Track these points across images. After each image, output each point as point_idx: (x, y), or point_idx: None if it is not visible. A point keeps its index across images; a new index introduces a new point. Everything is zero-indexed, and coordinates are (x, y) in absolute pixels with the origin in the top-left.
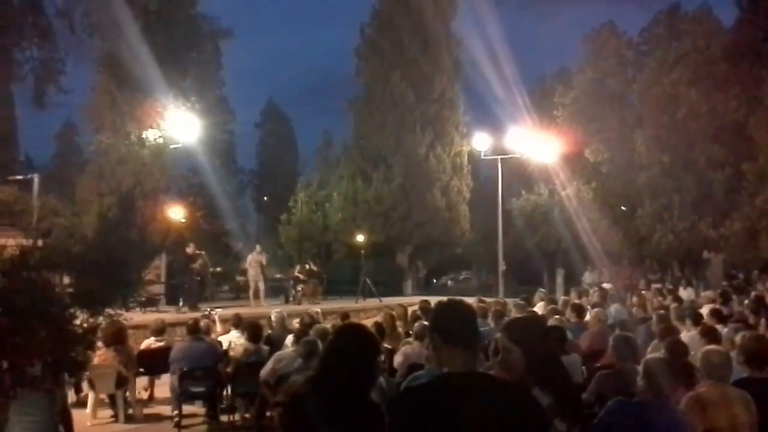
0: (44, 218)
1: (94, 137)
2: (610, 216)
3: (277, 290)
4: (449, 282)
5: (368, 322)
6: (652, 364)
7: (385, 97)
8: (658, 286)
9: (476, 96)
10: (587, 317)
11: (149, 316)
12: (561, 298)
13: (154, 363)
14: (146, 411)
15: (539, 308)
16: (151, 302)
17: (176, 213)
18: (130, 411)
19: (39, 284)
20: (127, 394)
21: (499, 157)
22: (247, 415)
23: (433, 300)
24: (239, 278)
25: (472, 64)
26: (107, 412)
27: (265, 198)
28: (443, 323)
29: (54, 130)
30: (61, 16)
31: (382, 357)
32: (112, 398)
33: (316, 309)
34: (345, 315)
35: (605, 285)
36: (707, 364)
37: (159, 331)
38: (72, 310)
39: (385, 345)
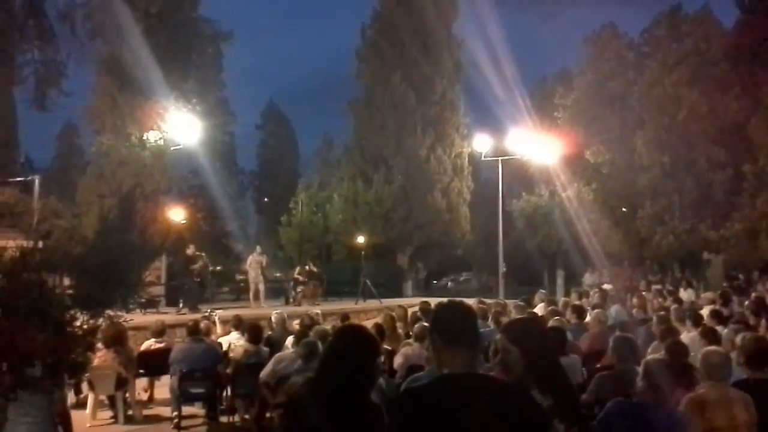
0: (45, 220)
1: (94, 139)
2: (610, 217)
3: (277, 291)
4: (449, 283)
5: (368, 324)
6: (652, 365)
7: (386, 99)
8: (659, 287)
9: (477, 97)
10: (587, 318)
11: (149, 318)
12: (561, 299)
13: (153, 364)
14: (146, 412)
15: (539, 309)
16: (151, 304)
17: (177, 214)
18: (130, 412)
19: (39, 286)
20: (127, 395)
21: (500, 158)
22: (246, 417)
23: (434, 301)
24: (240, 277)
25: (473, 66)
26: (107, 414)
27: (266, 199)
28: (443, 324)
29: (55, 132)
30: (62, 19)
31: (382, 358)
32: (111, 399)
33: (316, 310)
34: (345, 316)
35: (606, 286)
36: (707, 365)
37: (159, 332)
38: (72, 312)
39: (385, 346)
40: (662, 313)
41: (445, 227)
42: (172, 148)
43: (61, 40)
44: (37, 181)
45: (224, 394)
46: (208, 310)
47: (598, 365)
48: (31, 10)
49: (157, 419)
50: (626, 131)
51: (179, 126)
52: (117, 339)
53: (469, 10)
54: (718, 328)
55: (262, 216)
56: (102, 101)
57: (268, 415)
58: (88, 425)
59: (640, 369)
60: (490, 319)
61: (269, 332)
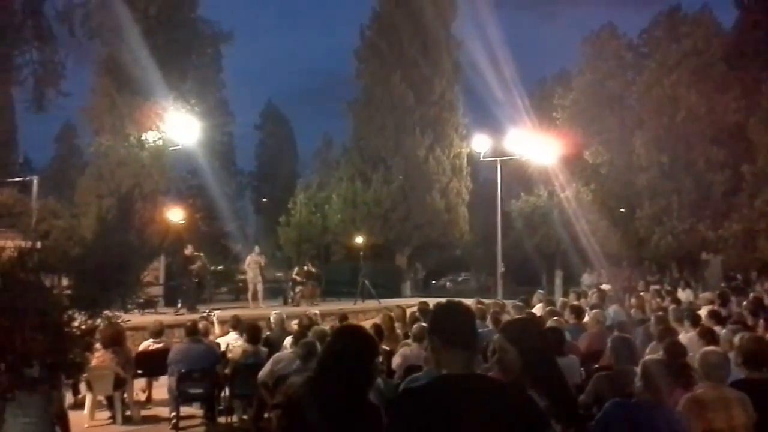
0: (43, 220)
1: (93, 139)
2: (609, 217)
3: (275, 292)
4: (448, 283)
5: (367, 324)
6: (650, 365)
7: (385, 99)
8: (657, 287)
9: (476, 98)
10: (586, 319)
11: (147, 318)
12: (560, 299)
13: (152, 365)
14: (144, 413)
15: (538, 310)
16: (149, 304)
17: (175, 215)
18: (128, 413)
19: (37, 286)
20: (125, 395)
21: (499, 158)
22: (245, 417)
23: (432, 301)
24: (241, 277)
25: (472, 66)
26: (105, 414)
27: (265, 200)
28: (442, 325)
29: (53, 132)
30: (60, 20)
31: (380, 358)
32: (109, 400)
33: (315, 310)
34: (344, 316)
35: (604, 286)
36: (705, 365)
37: (157, 332)
38: (70, 312)
39: (384, 347)
40: (660, 313)
41: (443, 227)
42: (170, 149)
43: (60, 40)
44: (35, 182)
45: (222, 394)
46: (207, 311)
47: (597, 365)
48: (30, 10)
49: (155, 420)
50: (625, 132)
51: (178, 126)
52: (115, 339)
53: (468, 11)
54: (717, 328)
55: (261, 216)
56: (101, 102)
57: (266, 415)
58: (86, 425)
59: (638, 369)
60: (488, 320)
61: (268, 332)
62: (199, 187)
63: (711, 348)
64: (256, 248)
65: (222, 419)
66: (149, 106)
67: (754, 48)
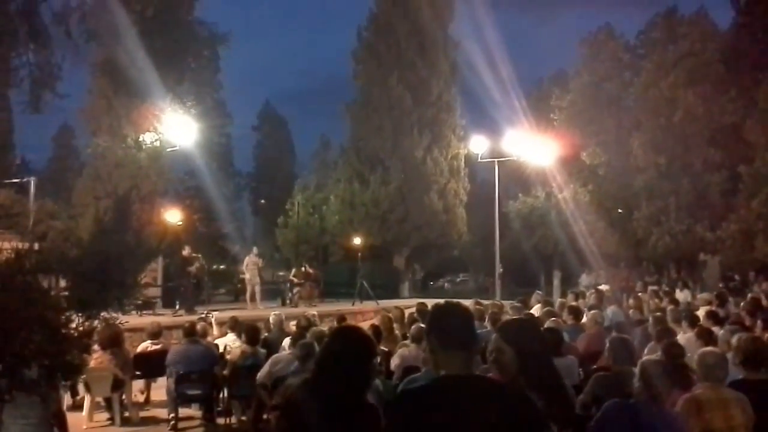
0: (40, 221)
1: (90, 140)
2: (606, 218)
3: (274, 293)
4: (446, 284)
5: (365, 325)
6: (648, 366)
7: (382, 100)
8: (655, 288)
9: (473, 99)
10: (584, 319)
11: (145, 319)
12: (558, 300)
13: (150, 366)
14: (142, 414)
15: (536, 310)
16: (147, 305)
17: (173, 216)
18: (127, 414)
19: (35, 288)
20: (124, 397)
21: (496, 159)
22: (243, 418)
23: (430, 302)
24: (240, 277)
25: (469, 67)
26: (103, 415)
27: (262, 201)
28: (440, 326)
29: (51, 134)
30: (57, 22)
31: (379, 359)
32: (108, 401)
33: (313, 311)
34: (342, 317)
35: (602, 287)
36: (703, 365)
37: (155, 334)
38: (68, 314)
39: (382, 347)
40: (658, 314)
41: (441, 228)
42: (168, 150)
43: (56, 42)
44: (33, 183)
45: (221, 395)
46: (205, 312)
47: (595, 366)
48: (26, 12)
49: (154, 421)
50: (622, 133)
51: (175, 128)
52: (113, 341)
53: (465, 12)
54: (714, 328)
55: (259, 217)
56: (97, 103)
57: (264, 416)
58: (84, 427)
59: (636, 370)
60: (486, 320)
61: (266, 334)
62: (196, 189)
63: (709, 348)
64: (255, 249)
65: (221, 420)
66: (146, 108)
67: (750, 49)
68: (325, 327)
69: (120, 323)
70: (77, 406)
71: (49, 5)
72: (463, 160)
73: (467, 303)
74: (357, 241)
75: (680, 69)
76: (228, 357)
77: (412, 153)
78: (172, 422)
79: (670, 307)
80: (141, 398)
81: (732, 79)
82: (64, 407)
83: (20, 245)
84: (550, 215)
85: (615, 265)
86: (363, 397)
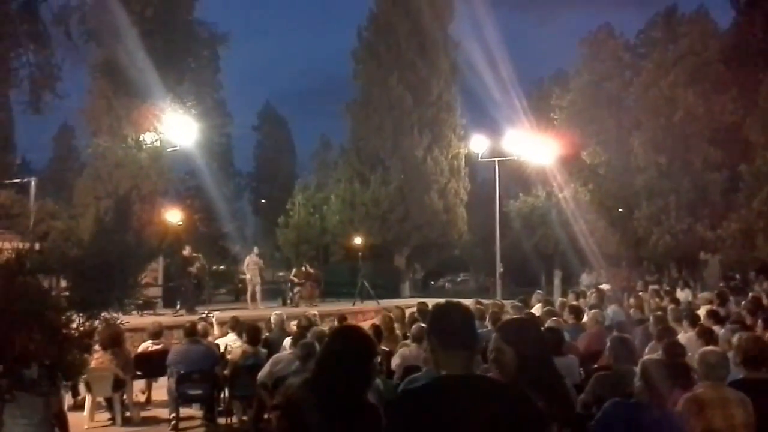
0: (41, 221)
1: (91, 140)
2: (607, 218)
3: (274, 293)
4: (447, 284)
5: (366, 325)
6: (649, 365)
7: (383, 100)
8: (656, 287)
9: (473, 98)
10: (585, 319)
11: (146, 319)
12: (558, 299)
13: (151, 366)
14: (143, 414)
15: (536, 310)
16: (148, 305)
17: (174, 216)
18: (128, 414)
19: (35, 288)
20: (125, 397)
21: (497, 159)
22: (244, 418)
23: (431, 302)
24: (241, 277)
25: (470, 67)
26: (104, 415)
27: (263, 201)
28: (441, 325)
29: (51, 134)
30: (57, 22)
31: (379, 359)
32: (109, 401)
33: (314, 311)
34: (342, 317)
35: (603, 286)
36: (704, 365)
37: (156, 334)
38: (68, 314)
39: (383, 347)
40: (659, 313)
41: (442, 228)
42: (168, 150)
43: (56, 43)
44: (33, 183)
45: (222, 395)
46: (206, 312)
47: (596, 365)
48: (26, 13)
49: (155, 421)
50: (623, 132)
51: (176, 128)
52: (114, 341)
53: (465, 12)
54: (715, 328)
55: (259, 217)
56: (98, 103)
57: (265, 416)
58: (85, 427)
59: (637, 369)
60: (487, 320)
61: (267, 333)
62: (197, 189)
63: (710, 348)
64: (255, 249)
65: (221, 420)
66: (147, 108)
67: (750, 48)
68: (326, 327)
69: (121, 323)
70: (78, 406)
71: (49, 6)
72: (463, 159)
73: (468, 302)
74: (357, 240)
75: (680, 68)
76: (229, 357)
77: (412, 153)
78: (173, 422)
79: (670, 307)
80: (142, 398)
81: (732, 79)
82: (65, 407)
83: (21, 245)
84: (550, 215)
85: (616, 264)
86: (364, 396)
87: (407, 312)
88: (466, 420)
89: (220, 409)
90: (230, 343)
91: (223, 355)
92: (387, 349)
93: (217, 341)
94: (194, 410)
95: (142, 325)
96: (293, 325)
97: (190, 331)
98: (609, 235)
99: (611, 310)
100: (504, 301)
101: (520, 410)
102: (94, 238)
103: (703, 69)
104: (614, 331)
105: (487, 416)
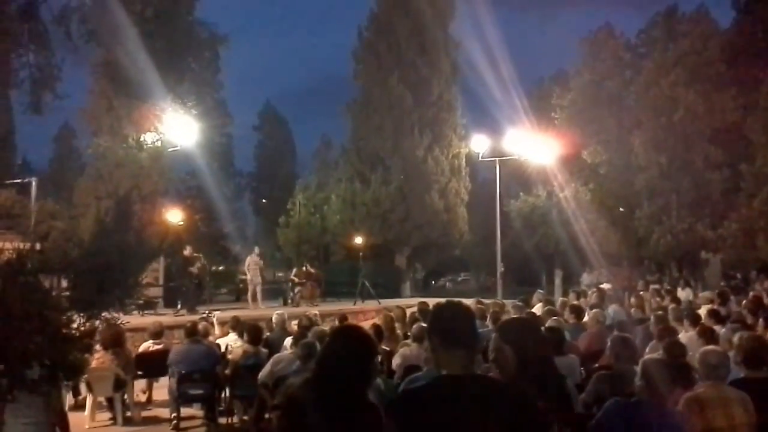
0: (42, 222)
1: (91, 141)
2: (608, 217)
3: (275, 292)
4: (448, 283)
5: (367, 324)
6: (650, 364)
7: (383, 100)
8: (657, 286)
9: (474, 98)
10: (585, 318)
11: (147, 319)
12: (559, 299)
13: (152, 366)
14: (144, 414)
15: (537, 309)
16: (149, 305)
17: (174, 216)
18: (129, 414)
19: (36, 288)
20: (126, 396)
21: (497, 158)
22: (245, 418)
23: (432, 302)
24: (242, 277)
25: (470, 67)
26: (105, 415)
27: (264, 200)
28: (441, 325)
29: (52, 134)
30: (57, 23)
31: (380, 358)
32: (110, 401)
33: (314, 311)
34: (343, 317)
35: (604, 286)
36: (705, 364)
37: (157, 334)
38: (69, 314)
39: (384, 347)
40: (660, 312)
41: (442, 228)
42: (169, 150)
43: (57, 43)
44: (34, 183)
45: (223, 395)
46: (206, 312)
47: (596, 365)
48: (27, 14)
49: (156, 421)
50: (623, 132)
51: (176, 128)
52: (115, 341)
53: (466, 11)
54: (716, 327)
55: (260, 217)
56: (98, 103)
57: (266, 416)
58: (86, 427)
59: (638, 369)
60: (488, 320)
61: (267, 333)
62: (198, 189)
63: (711, 347)
64: (256, 249)
65: (222, 420)
66: (147, 108)
67: (751, 47)
68: (326, 326)
69: (122, 323)
70: (79, 406)
71: (49, 6)
72: (464, 159)
73: (469, 302)
74: (358, 240)
75: (681, 68)
76: (230, 357)
77: (413, 152)
78: (174, 422)
79: (671, 306)
80: (143, 398)
81: (733, 78)
82: (66, 407)
83: (22, 245)
84: (551, 214)
85: (617, 263)
86: (364, 396)
87: (408, 312)
88: (466, 419)
89: (221, 408)
90: (231, 342)
91: (224, 354)
92: (388, 348)
93: (217, 341)
94: (195, 410)
95: (143, 325)
96: (294, 325)
97: (191, 331)
98: (610, 235)
99: (612, 309)
100: (505, 301)
101: (520, 410)
102: (95, 239)
103: (704, 68)
104: (615, 331)
105: (487, 416)
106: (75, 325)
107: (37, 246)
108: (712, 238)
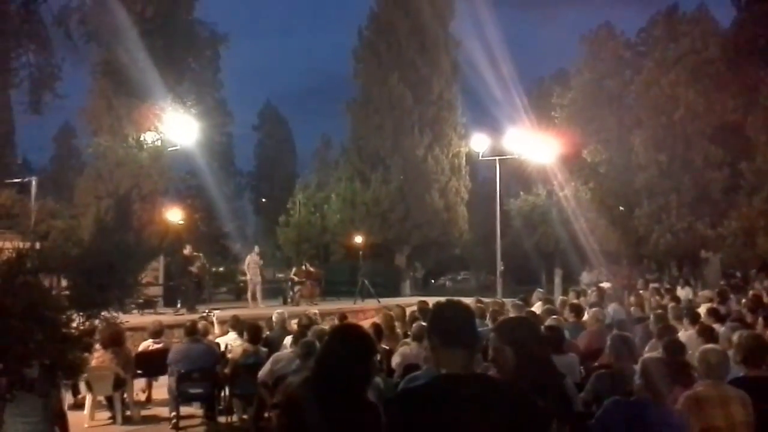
0: (42, 221)
1: (92, 140)
2: (607, 216)
3: (275, 291)
4: (447, 282)
5: (366, 323)
6: (649, 363)
7: (383, 99)
8: (656, 285)
9: (474, 97)
10: (585, 317)
11: (147, 318)
12: (559, 298)
13: (151, 365)
14: (144, 413)
15: (537, 308)
16: (149, 304)
17: (174, 215)
18: (128, 413)
19: (36, 287)
20: (125, 396)
21: (497, 157)
22: (245, 417)
23: (432, 300)
24: (242, 278)
25: (470, 66)
26: (105, 414)
27: (264, 200)
28: (441, 324)
29: (52, 133)
30: (57, 23)
31: (379, 357)
32: (109, 400)
33: (314, 310)
34: (343, 316)
35: (603, 285)
36: (704, 363)
37: (157, 332)
38: (69, 313)
39: (384, 346)
40: (660, 311)
41: (442, 227)
42: (169, 149)
43: (56, 43)
44: (34, 183)
45: (222, 394)
46: (206, 311)
47: (596, 364)
48: (26, 14)
49: (156, 420)
50: (623, 130)
51: (176, 127)
52: (115, 340)
53: (466, 10)
54: (716, 326)
55: (260, 216)
56: (98, 103)
57: (266, 415)
58: (86, 426)
59: (637, 367)
60: (488, 318)
61: (267, 332)
62: (198, 188)
63: (710, 346)
64: (256, 248)
65: (222, 419)
66: (147, 107)
67: (751, 46)
68: (326, 325)
69: (121, 322)
70: (78, 405)
71: (49, 6)
72: (464, 158)
73: (468, 301)
74: (358, 239)
75: (681, 66)
76: (229, 356)
77: (413, 151)
78: (174, 421)
79: (671, 305)
80: (142, 397)
81: (733, 77)
82: (66, 406)
83: (22, 245)
84: (551, 213)
85: (616, 262)
86: (363, 395)
87: (408, 310)
88: (466, 419)
89: (221, 407)
90: (231, 341)
91: (223, 353)
92: (387, 347)
93: (217, 340)
94: (195, 409)
95: (142, 324)
96: (293, 324)
97: (191, 330)
98: (610, 234)
99: (612, 308)
100: (504, 300)
101: (520, 409)
102: (95, 238)
103: (704, 67)
104: (614, 330)
105: (487, 415)
106: (74, 325)
107: (37, 245)
108: (712, 236)
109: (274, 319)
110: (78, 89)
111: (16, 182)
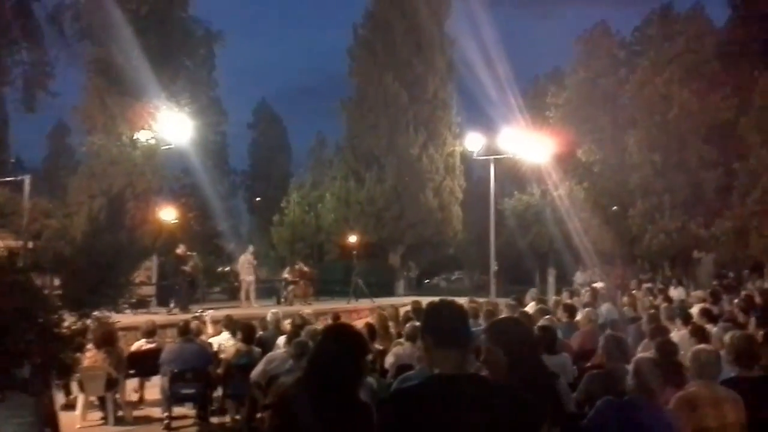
0: (35, 220)
1: (85, 138)
2: (601, 216)
3: (269, 291)
4: (441, 282)
5: (360, 323)
6: (641, 363)
7: (378, 98)
8: (649, 285)
9: (469, 96)
10: (578, 317)
11: (140, 318)
12: (552, 297)
13: (144, 365)
14: (136, 413)
15: (531, 308)
16: (142, 304)
17: (168, 214)
18: (120, 413)
19: (27, 287)
20: (117, 396)
21: (492, 157)
22: (237, 417)
23: (425, 300)
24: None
25: (465, 65)
26: (97, 414)
27: (258, 199)
28: (435, 324)
29: (45, 131)
30: (50, 20)
31: (371, 357)
32: (101, 400)
33: (308, 310)
34: (337, 316)
35: (597, 285)
36: (697, 363)
37: (149, 332)
38: (61, 313)
39: (377, 346)
40: (652, 311)
41: (437, 226)
42: (163, 148)
43: (50, 41)
44: (27, 181)
45: (215, 394)
46: (199, 311)
47: (589, 364)
48: (20, 11)
49: (148, 420)
50: (617, 130)
51: (170, 125)
52: (107, 339)
53: (462, 10)
54: (708, 326)
55: (254, 215)
56: (92, 101)
57: (258, 415)
58: (77, 426)
59: (630, 368)
60: (481, 318)
61: (260, 332)
62: (192, 187)
63: (702, 346)
64: (250, 248)
65: (215, 419)
66: (141, 106)
67: (746, 46)
68: (319, 325)
69: (114, 322)
70: (70, 405)
71: (42, 4)
72: (458, 157)
73: (462, 301)
74: (352, 239)
75: (675, 66)
76: (222, 356)
77: (407, 150)
78: (166, 421)
79: (664, 305)
80: (135, 397)
81: (727, 76)
82: (57, 406)
83: (14, 243)
84: (545, 213)
85: (610, 262)
86: (355, 395)
87: (401, 310)
88: (458, 419)
89: (213, 408)
90: (224, 341)
91: (216, 353)
92: (381, 347)
93: (210, 340)
94: (187, 409)
95: (135, 323)
96: (287, 324)
97: (184, 330)
98: (603, 233)
99: (604, 308)
100: (498, 300)
101: (513, 409)
102: (88, 237)
103: (699, 67)
104: (607, 330)
105: (480, 415)
106: (67, 324)
107: (30, 244)
108: (705, 236)
109: (268, 319)
110: (72, 87)
111: (8, 181)
